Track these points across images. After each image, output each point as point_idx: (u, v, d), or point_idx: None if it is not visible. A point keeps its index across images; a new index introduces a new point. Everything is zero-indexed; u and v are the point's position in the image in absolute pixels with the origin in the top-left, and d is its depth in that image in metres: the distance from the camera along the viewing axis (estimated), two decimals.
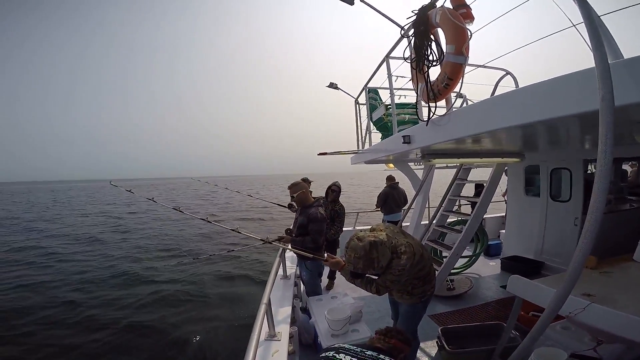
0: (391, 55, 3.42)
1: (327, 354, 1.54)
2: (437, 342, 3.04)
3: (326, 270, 4.97)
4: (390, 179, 6.77)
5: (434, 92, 2.42)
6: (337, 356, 1.49)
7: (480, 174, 5.27)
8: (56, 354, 5.42)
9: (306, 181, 4.26)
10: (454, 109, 2.47)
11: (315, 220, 3.55)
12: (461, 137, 2.15)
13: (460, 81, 2.34)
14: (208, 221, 3.50)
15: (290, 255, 4.66)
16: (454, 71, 2.30)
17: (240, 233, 3.45)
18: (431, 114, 2.46)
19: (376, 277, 2.23)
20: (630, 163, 6.33)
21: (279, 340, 2.46)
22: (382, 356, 1.54)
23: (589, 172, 4.51)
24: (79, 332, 6.12)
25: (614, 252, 2.67)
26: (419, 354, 3.13)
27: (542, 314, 1.00)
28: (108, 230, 18.21)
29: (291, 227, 3.99)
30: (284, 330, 2.63)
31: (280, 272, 4.00)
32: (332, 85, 6.41)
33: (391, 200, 6.50)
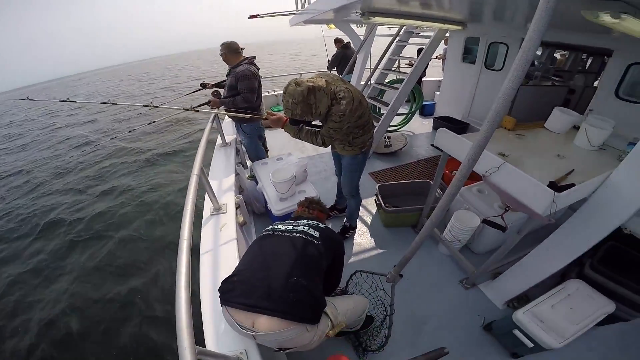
0: None
1: (267, 229, 1.72)
2: (375, 200, 3.31)
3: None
4: (339, 41, 6.56)
5: None
6: (276, 227, 1.69)
7: (421, 42, 5.24)
8: None
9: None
10: None
11: (244, 77, 3.26)
12: None
13: None
14: (112, 103, 2.96)
15: (228, 121, 4.54)
16: None
17: (157, 107, 2.90)
18: None
19: (319, 129, 2.28)
20: (561, 52, 6.84)
21: (225, 213, 2.38)
22: (311, 221, 1.77)
23: None
24: None
25: (532, 119, 2.96)
26: (361, 211, 3.43)
27: (458, 168, 1.08)
28: None
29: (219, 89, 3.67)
30: (229, 200, 2.55)
31: (219, 141, 3.83)
32: None
33: (345, 61, 6.36)
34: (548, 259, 2.04)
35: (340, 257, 1.83)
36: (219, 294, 1.37)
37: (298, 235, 1.59)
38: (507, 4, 2.46)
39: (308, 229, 1.64)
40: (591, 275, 2.13)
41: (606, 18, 1.52)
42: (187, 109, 2.92)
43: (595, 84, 5.45)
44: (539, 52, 6.01)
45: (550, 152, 2.30)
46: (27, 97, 3.03)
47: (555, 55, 6.63)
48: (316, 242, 1.57)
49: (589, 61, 6.39)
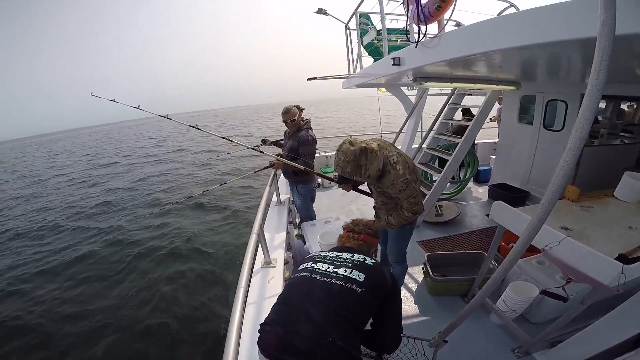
0: None
1: (305, 265, 1.60)
2: (423, 269, 3.16)
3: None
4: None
5: (424, 14, 2.32)
6: (315, 266, 1.55)
7: (474, 101, 5.18)
8: None
9: (298, 108, 4.20)
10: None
11: (306, 142, 3.55)
12: (452, 58, 2.08)
13: (454, 4, 2.22)
14: (198, 128, 3.43)
15: (283, 181, 4.74)
16: None
17: (231, 141, 3.38)
18: (421, 36, 2.38)
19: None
20: (627, 104, 6.35)
21: (275, 267, 2.57)
22: (356, 256, 1.61)
23: None
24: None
25: (599, 185, 2.70)
26: (406, 279, 3.29)
27: (516, 243, 1.05)
28: None
29: (280, 153, 3.91)
30: (279, 256, 2.74)
31: (275, 199, 4.13)
32: (321, 11, 5.93)
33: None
34: (618, 326, 1.81)
35: (394, 304, 1.59)
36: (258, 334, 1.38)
37: (338, 282, 1.43)
38: (561, 64, 2.44)
39: (351, 272, 1.47)
40: None
41: None
42: (254, 148, 3.58)
43: None
44: (602, 105, 5.54)
45: (620, 224, 2.09)
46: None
47: (622, 107, 6.08)
48: (359, 290, 1.40)
49: None
